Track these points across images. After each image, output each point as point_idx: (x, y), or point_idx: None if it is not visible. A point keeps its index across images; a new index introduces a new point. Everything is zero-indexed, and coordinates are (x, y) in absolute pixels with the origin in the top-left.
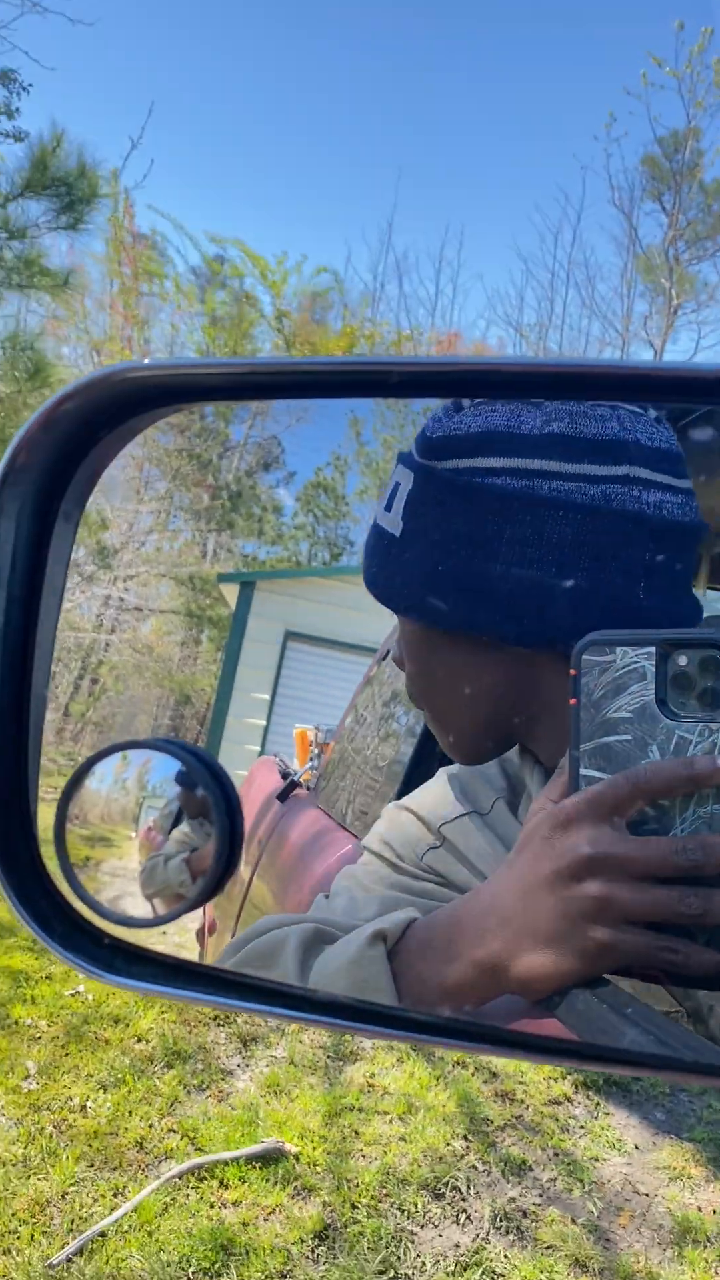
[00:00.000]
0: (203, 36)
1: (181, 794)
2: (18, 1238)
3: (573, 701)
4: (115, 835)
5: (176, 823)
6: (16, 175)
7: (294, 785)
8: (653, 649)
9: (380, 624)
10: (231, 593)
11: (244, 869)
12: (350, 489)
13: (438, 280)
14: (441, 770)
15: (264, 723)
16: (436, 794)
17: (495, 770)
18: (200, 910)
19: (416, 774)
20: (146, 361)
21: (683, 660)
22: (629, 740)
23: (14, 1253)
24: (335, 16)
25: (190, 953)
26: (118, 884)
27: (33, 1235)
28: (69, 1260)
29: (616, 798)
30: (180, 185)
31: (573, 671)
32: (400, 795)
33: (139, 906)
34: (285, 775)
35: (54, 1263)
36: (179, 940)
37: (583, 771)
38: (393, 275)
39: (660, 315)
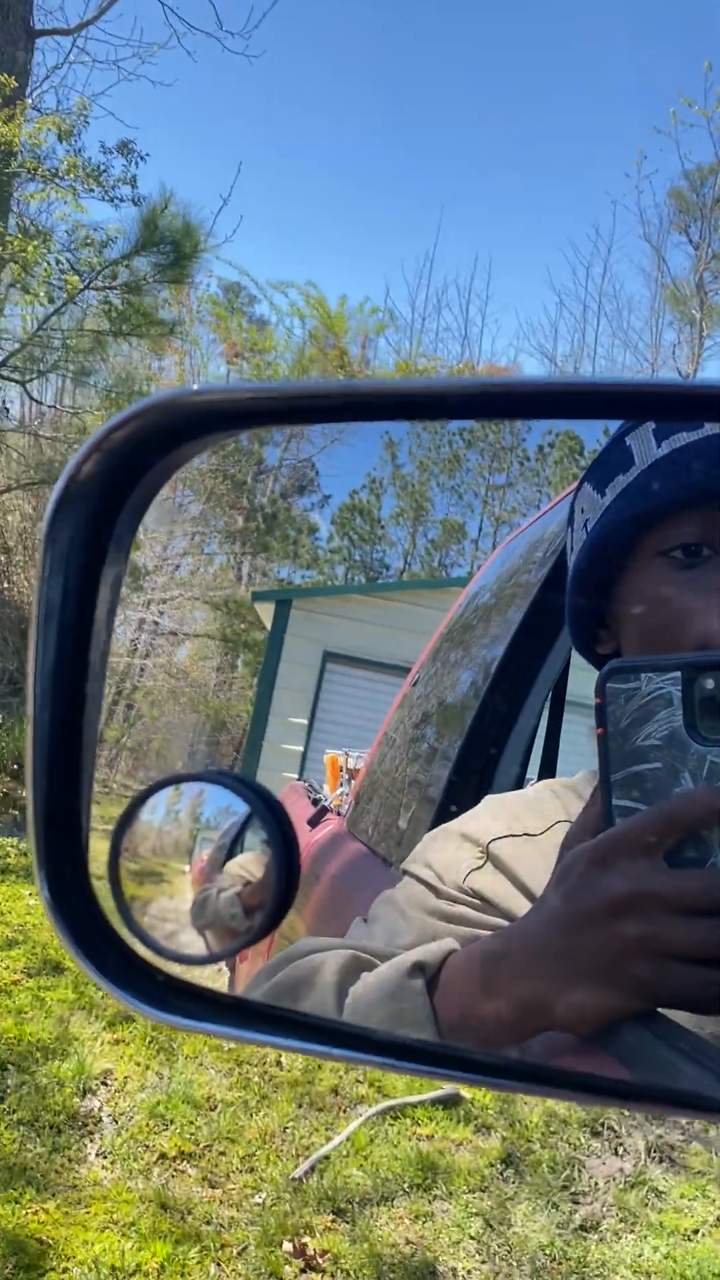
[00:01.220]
0: (249, 91)
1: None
2: (256, 1160)
3: (600, 731)
4: (168, 869)
5: (230, 856)
6: (131, 235)
7: (325, 811)
8: (678, 674)
9: (422, 643)
10: (267, 612)
11: None
12: (386, 512)
13: (466, 311)
14: (489, 797)
15: (301, 748)
16: (485, 816)
17: (549, 797)
18: None
19: (452, 797)
20: (195, 388)
21: (709, 684)
22: (660, 768)
23: (257, 1171)
24: (377, 62)
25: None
26: (171, 919)
27: (268, 1158)
28: (305, 1176)
29: (652, 832)
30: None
31: (598, 700)
32: (437, 820)
33: (192, 942)
34: (315, 801)
35: (295, 1176)
36: (207, 970)
37: (615, 802)
38: (432, 309)
39: (689, 344)
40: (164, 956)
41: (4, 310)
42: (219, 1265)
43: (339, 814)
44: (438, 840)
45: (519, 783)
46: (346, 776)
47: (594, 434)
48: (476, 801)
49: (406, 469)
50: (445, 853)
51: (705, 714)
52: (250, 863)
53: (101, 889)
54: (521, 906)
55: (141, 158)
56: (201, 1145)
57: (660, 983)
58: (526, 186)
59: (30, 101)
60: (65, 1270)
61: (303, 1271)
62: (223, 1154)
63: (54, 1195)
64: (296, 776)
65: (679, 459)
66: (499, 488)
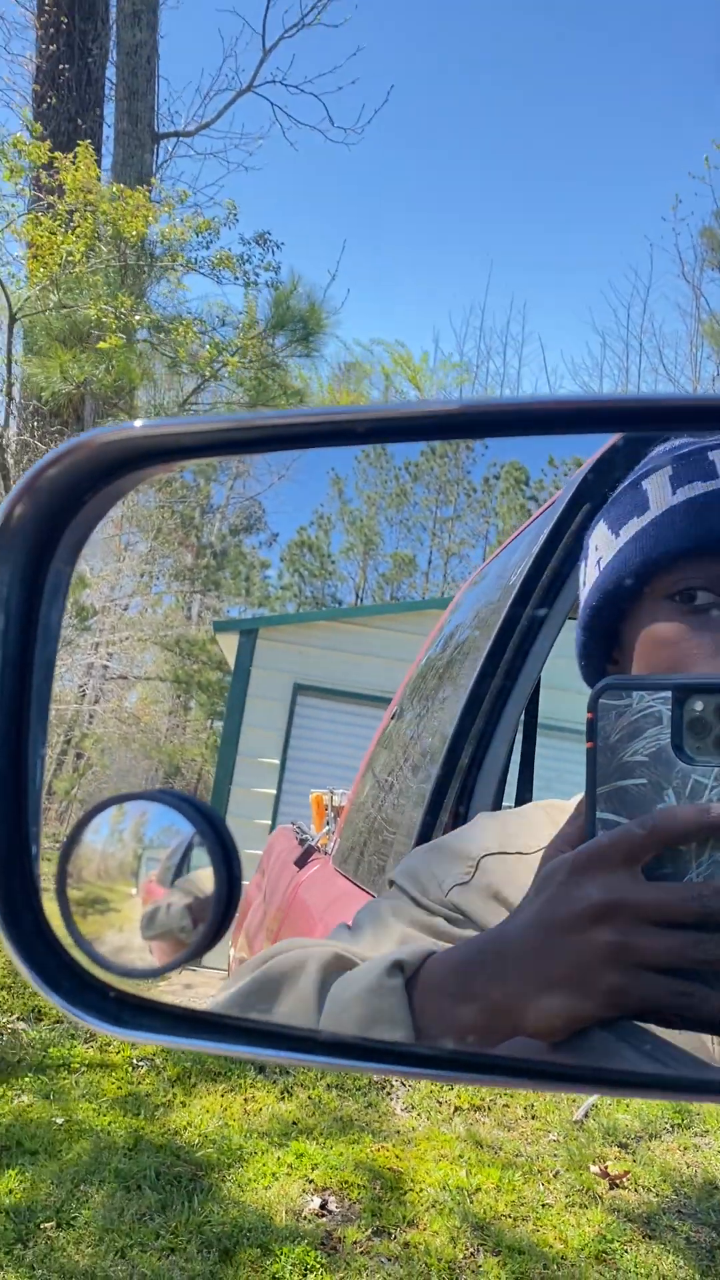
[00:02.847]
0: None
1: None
2: (536, 1109)
3: (589, 745)
4: (115, 890)
5: (179, 874)
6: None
7: (311, 850)
8: (669, 694)
9: (399, 672)
10: (230, 643)
11: (266, 934)
12: (335, 547)
13: (504, 354)
14: (482, 814)
15: (274, 791)
16: (478, 831)
17: (542, 817)
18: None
19: (432, 826)
20: (122, 425)
21: (699, 706)
22: (645, 784)
23: (540, 1117)
24: (422, 117)
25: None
26: (120, 936)
27: (546, 1107)
28: (583, 1119)
29: (633, 844)
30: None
31: (589, 715)
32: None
33: (142, 957)
34: (302, 841)
35: (576, 1120)
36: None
37: (599, 814)
38: (482, 356)
39: None
40: (113, 973)
41: (149, 386)
42: (542, 1185)
43: (325, 853)
44: (427, 853)
45: (497, 806)
46: (332, 814)
47: (538, 463)
48: (456, 826)
49: (354, 504)
50: (432, 865)
51: (693, 734)
52: (199, 880)
53: (53, 909)
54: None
55: (278, 246)
56: (486, 1099)
57: (631, 991)
58: (568, 235)
59: (170, 201)
60: (420, 1190)
61: (611, 1188)
62: (506, 1106)
63: (385, 1138)
64: (270, 823)
65: (693, 507)
66: (447, 520)
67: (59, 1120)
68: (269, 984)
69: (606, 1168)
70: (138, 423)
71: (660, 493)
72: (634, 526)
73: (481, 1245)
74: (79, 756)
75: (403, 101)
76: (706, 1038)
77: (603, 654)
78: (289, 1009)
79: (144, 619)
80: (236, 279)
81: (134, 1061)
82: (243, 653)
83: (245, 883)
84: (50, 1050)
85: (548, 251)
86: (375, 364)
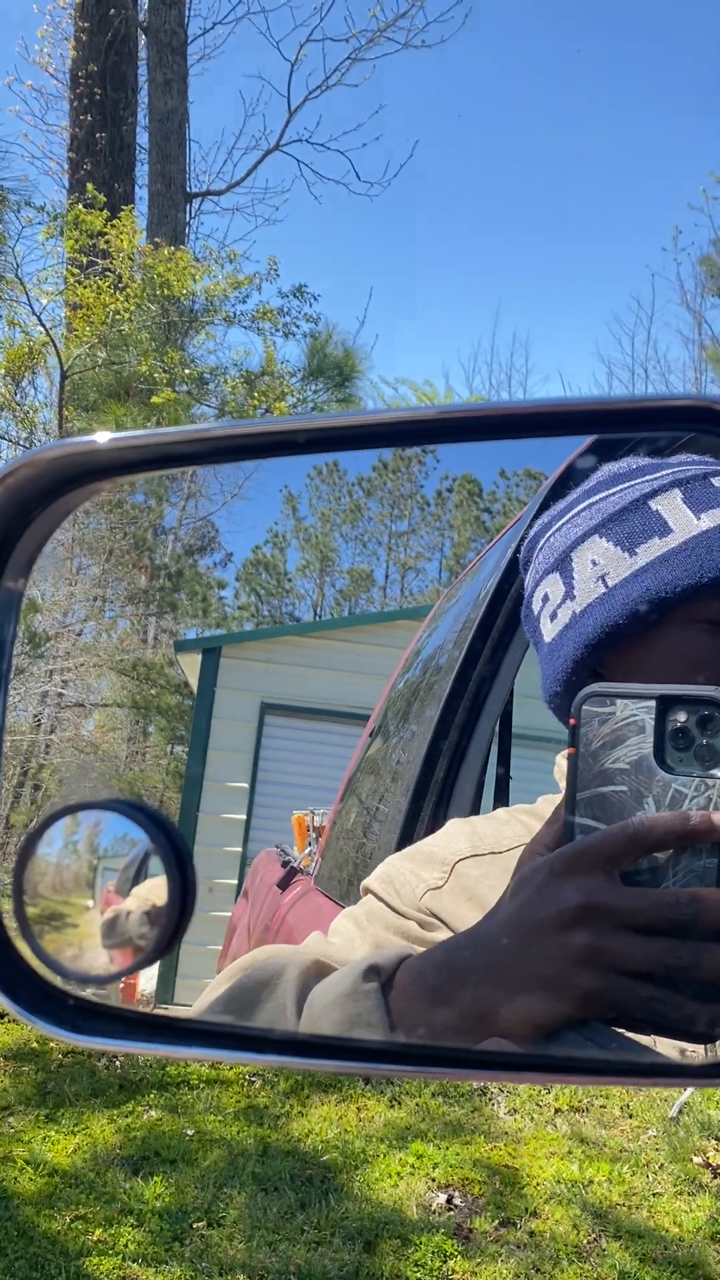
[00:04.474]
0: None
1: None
2: (632, 1109)
3: (571, 751)
4: (71, 901)
5: (136, 883)
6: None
7: (294, 872)
8: (652, 703)
9: (368, 686)
10: (192, 664)
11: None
12: (291, 565)
13: (510, 387)
14: (453, 820)
15: (244, 816)
16: (450, 836)
17: (512, 820)
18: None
19: (410, 836)
20: (69, 440)
21: (682, 717)
22: (625, 791)
23: (636, 1116)
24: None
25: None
26: (78, 944)
27: (639, 1108)
28: (677, 1116)
29: (613, 849)
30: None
31: (572, 721)
32: None
33: (100, 963)
34: (285, 863)
35: (671, 1117)
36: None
37: (578, 820)
38: (490, 391)
39: None
40: (71, 979)
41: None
42: (650, 1175)
43: (308, 873)
44: (400, 860)
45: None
46: (314, 835)
47: (490, 475)
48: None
49: (308, 521)
50: (405, 872)
51: (674, 744)
52: (156, 887)
53: (9, 921)
54: None
55: (314, 298)
56: (584, 1101)
57: (604, 994)
58: (572, 270)
59: (219, 258)
60: (537, 1184)
61: (714, 1177)
62: (603, 1106)
63: (495, 1139)
64: (241, 849)
65: None
66: (402, 534)
67: (189, 1131)
68: (247, 992)
69: (708, 1158)
70: (84, 438)
71: (680, 516)
72: (658, 548)
73: (602, 1231)
74: (36, 789)
75: (420, 154)
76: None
77: (593, 664)
78: (267, 1016)
79: (99, 644)
80: (277, 330)
81: (248, 1077)
82: (206, 673)
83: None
84: (168, 1069)
85: (554, 286)
86: (401, 401)
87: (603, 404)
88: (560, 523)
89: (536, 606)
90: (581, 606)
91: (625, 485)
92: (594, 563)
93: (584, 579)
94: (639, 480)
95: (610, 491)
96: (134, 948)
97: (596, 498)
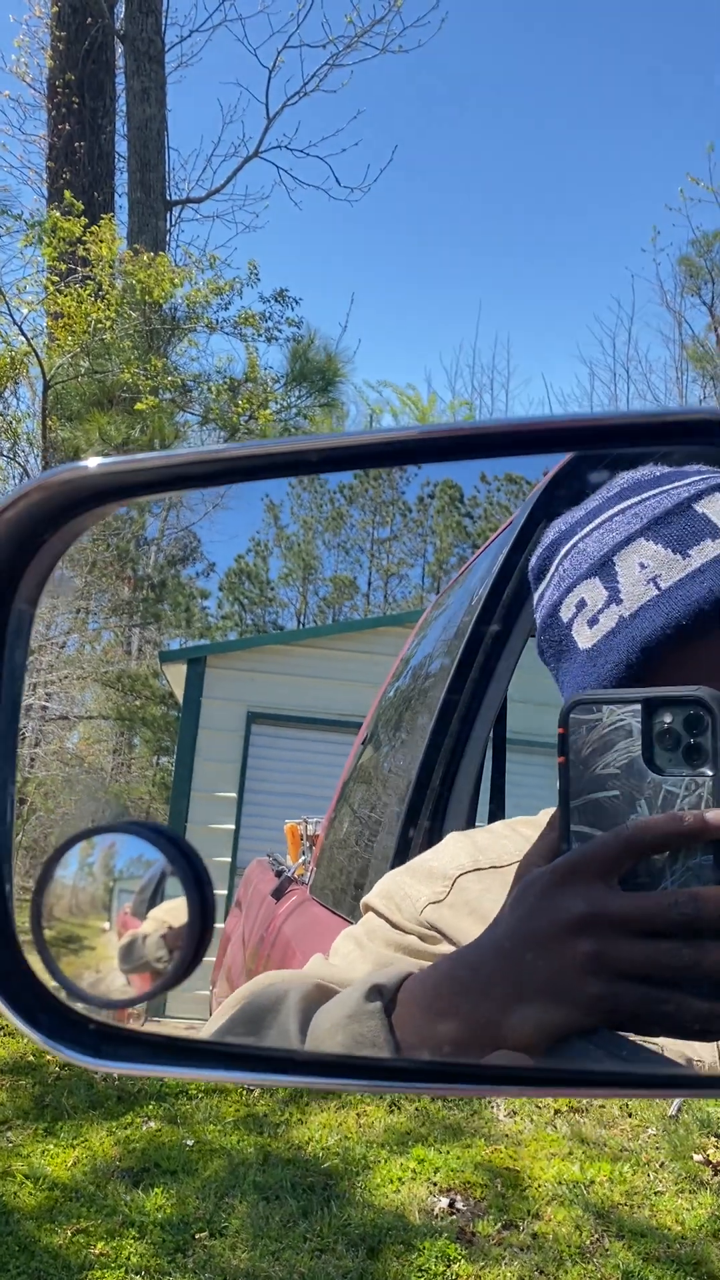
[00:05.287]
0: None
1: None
2: (632, 1108)
3: (561, 760)
4: (88, 926)
5: (153, 905)
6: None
7: (289, 881)
8: (638, 706)
9: (354, 693)
10: (177, 674)
11: (246, 973)
12: (274, 574)
13: (492, 389)
14: (453, 833)
15: (233, 826)
16: (450, 850)
17: (513, 833)
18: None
19: (406, 849)
20: (77, 464)
21: (668, 718)
22: (617, 796)
23: (635, 1115)
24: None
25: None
26: (98, 969)
27: (640, 1107)
28: (677, 1114)
29: (609, 856)
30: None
31: (561, 730)
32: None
33: (119, 988)
34: (279, 873)
35: (671, 1115)
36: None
37: (573, 827)
38: (474, 394)
39: (715, 398)
40: (91, 1004)
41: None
42: (651, 1174)
43: (303, 883)
44: (400, 874)
45: (469, 825)
46: (307, 844)
47: (471, 480)
48: (431, 844)
49: (290, 529)
50: (405, 886)
51: (662, 745)
52: (174, 909)
53: (28, 947)
54: None
55: (296, 302)
56: (583, 1102)
57: (611, 1000)
58: (552, 273)
59: (200, 264)
60: (539, 1185)
61: (715, 1174)
62: (602, 1106)
63: (496, 1142)
64: (230, 859)
65: None
66: (384, 541)
67: (189, 1142)
68: (251, 1019)
69: (709, 1156)
70: (93, 461)
71: None
72: (712, 549)
73: (605, 1231)
74: (22, 802)
75: (399, 158)
76: (683, 1043)
77: (642, 668)
78: (272, 1043)
79: (83, 656)
80: (259, 335)
81: (246, 1086)
82: (191, 683)
83: (221, 913)
84: (166, 1080)
85: (534, 289)
86: (385, 405)
87: (623, 419)
88: (588, 529)
89: (567, 614)
90: (631, 610)
91: (659, 490)
92: (642, 565)
93: (632, 582)
94: (672, 486)
95: (644, 496)
96: (152, 971)
97: (629, 502)
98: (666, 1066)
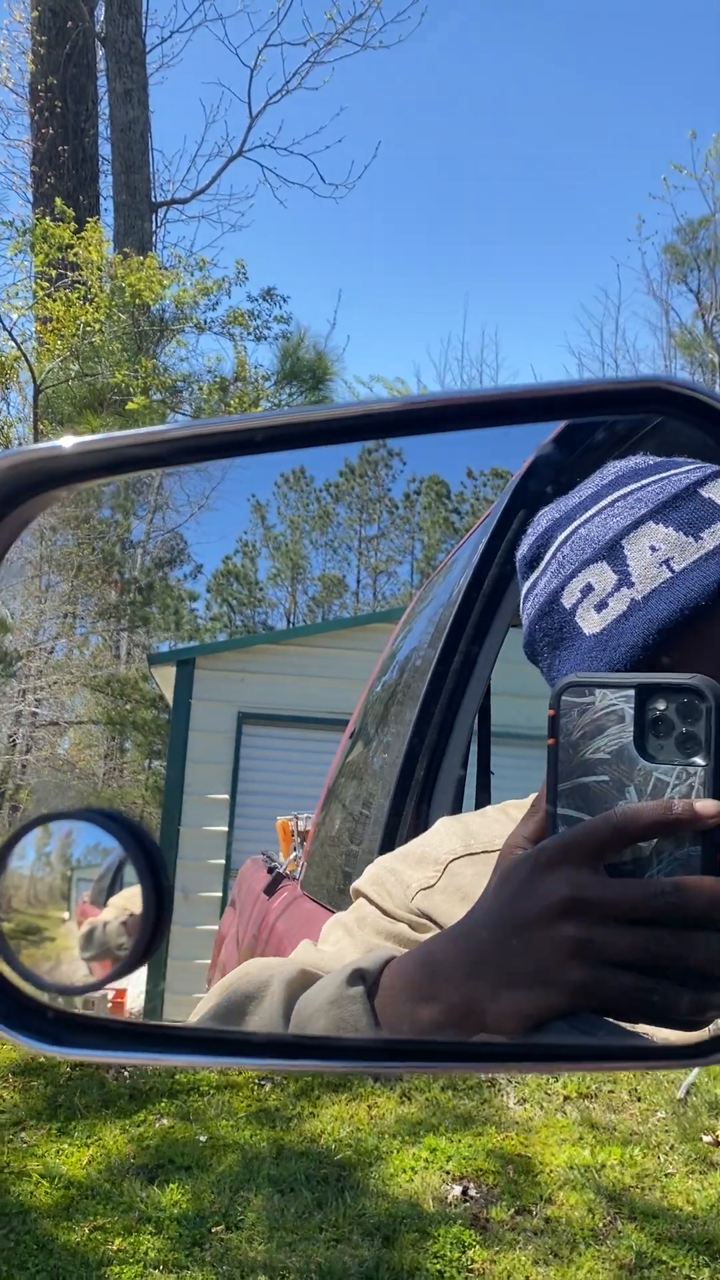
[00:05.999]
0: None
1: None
2: (640, 1092)
3: (551, 742)
4: (46, 914)
5: (111, 893)
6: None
7: (281, 878)
8: (631, 692)
9: (345, 691)
10: (166, 677)
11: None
12: (262, 574)
13: (480, 381)
14: (443, 819)
15: (226, 828)
16: (441, 836)
17: (503, 817)
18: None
19: (393, 836)
20: (18, 449)
21: (661, 705)
22: (606, 781)
23: (644, 1099)
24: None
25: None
26: (56, 955)
27: (647, 1091)
28: (684, 1098)
29: (597, 841)
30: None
31: (551, 712)
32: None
33: (79, 974)
34: (271, 869)
35: (679, 1098)
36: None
37: (560, 811)
38: (463, 385)
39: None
40: (49, 991)
41: None
42: (661, 1156)
43: (294, 878)
44: (391, 860)
45: (456, 813)
46: (298, 840)
47: (458, 475)
48: (418, 833)
49: (277, 529)
50: (395, 873)
51: (654, 732)
52: (134, 896)
53: None
54: None
55: (284, 299)
56: (592, 1087)
57: (594, 986)
58: (538, 264)
59: (188, 265)
60: (550, 1171)
61: None
62: (611, 1091)
63: (506, 1129)
64: (224, 861)
65: None
66: (372, 538)
67: (202, 1138)
68: (234, 1005)
69: (718, 1137)
70: (33, 445)
71: None
72: None
73: (617, 1214)
74: (15, 809)
75: (383, 153)
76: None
77: (658, 650)
78: (256, 1028)
79: (71, 661)
80: (248, 334)
81: (257, 1081)
82: (181, 685)
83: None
84: (177, 1077)
85: (521, 280)
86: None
87: (565, 389)
88: (587, 515)
89: (570, 600)
90: (644, 593)
91: (660, 476)
92: (654, 548)
93: (644, 565)
94: (673, 472)
95: (644, 482)
96: (113, 958)
97: (630, 488)
98: (638, 1039)
